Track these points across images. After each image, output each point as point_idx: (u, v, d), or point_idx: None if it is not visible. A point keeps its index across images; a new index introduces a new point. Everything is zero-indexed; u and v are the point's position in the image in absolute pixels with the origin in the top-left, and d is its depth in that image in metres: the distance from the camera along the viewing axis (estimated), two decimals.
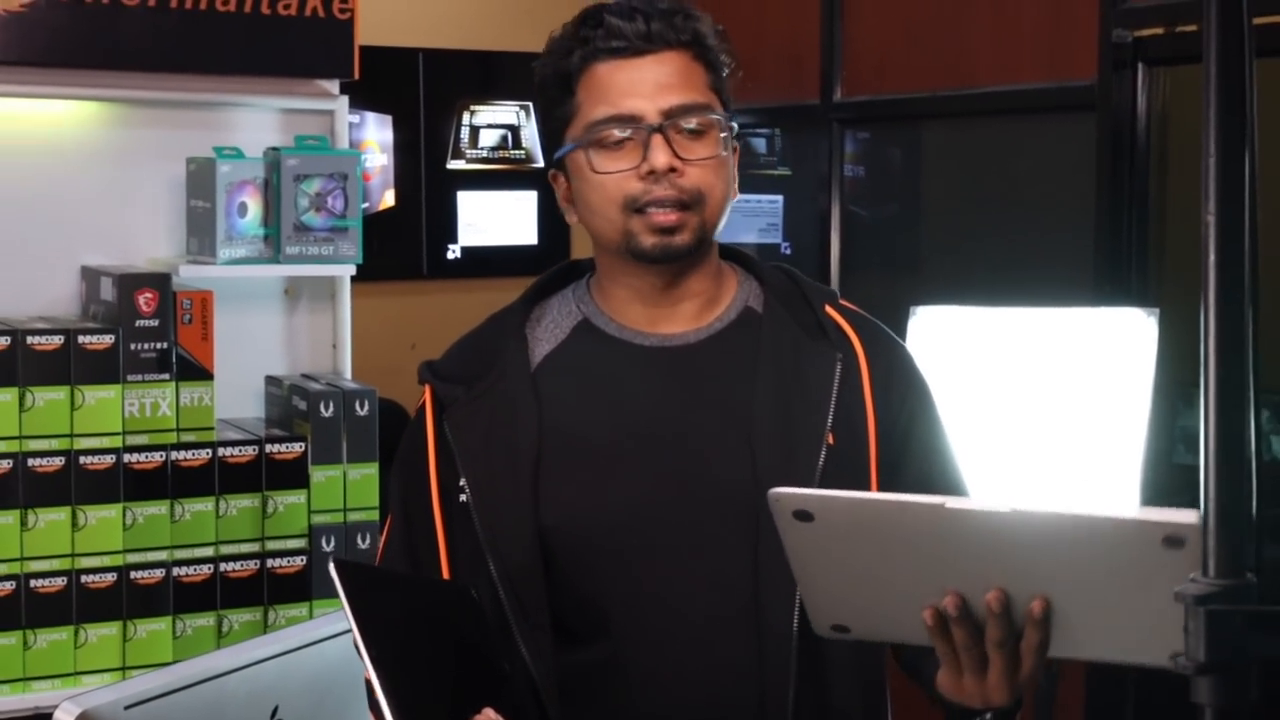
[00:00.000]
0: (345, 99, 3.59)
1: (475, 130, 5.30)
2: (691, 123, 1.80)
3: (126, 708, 1.86)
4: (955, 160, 4.81)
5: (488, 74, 5.36)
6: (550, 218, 5.38)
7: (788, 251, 5.31)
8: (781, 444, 1.79)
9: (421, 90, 5.24)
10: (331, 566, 1.63)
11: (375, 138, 5.14)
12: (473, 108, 5.29)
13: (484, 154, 5.32)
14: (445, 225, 5.29)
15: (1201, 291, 0.94)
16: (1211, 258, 0.92)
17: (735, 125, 1.88)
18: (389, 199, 5.17)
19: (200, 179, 3.35)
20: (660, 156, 1.78)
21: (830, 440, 1.79)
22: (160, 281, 3.16)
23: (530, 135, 5.37)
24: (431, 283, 5.25)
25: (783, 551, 1.74)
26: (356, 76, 3.55)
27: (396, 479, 1.93)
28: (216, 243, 3.29)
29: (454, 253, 5.28)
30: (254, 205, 3.35)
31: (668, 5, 1.86)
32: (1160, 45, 4.00)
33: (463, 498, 1.81)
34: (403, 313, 5.03)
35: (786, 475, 1.75)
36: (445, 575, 1.85)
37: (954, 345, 3.56)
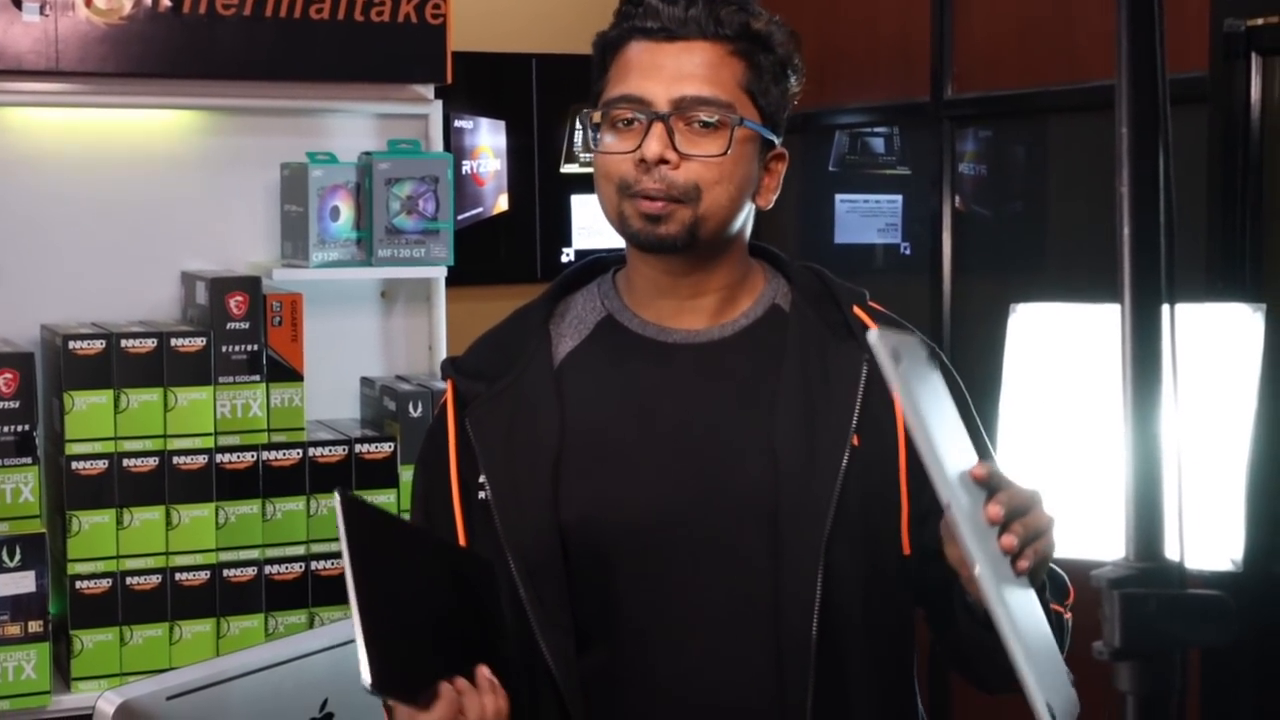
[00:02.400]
0: (439, 103, 3.63)
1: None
2: (704, 117, 1.76)
3: (169, 699, 1.90)
4: (1072, 155, 4.72)
5: None
6: None
7: (907, 251, 5.25)
8: (804, 445, 1.75)
9: (535, 95, 5.26)
10: (336, 495, 1.58)
11: (489, 143, 5.18)
12: (584, 111, 5.31)
13: None
14: (559, 228, 5.31)
15: (1118, 288, 0.91)
16: (1126, 258, 0.89)
17: (772, 132, 1.82)
18: (503, 203, 5.20)
19: (293, 184, 3.41)
20: (653, 145, 1.73)
21: (856, 442, 1.76)
22: (250, 285, 3.22)
23: None
24: (545, 285, 5.27)
25: (803, 551, 1.72)
26: (449, 81, 3.58)
27: (419, 476, 1.92)
28: (310, 246, 3.34)
29: (568, 256, 5.30)
30: (346, 209, 3.40)
31: None
32: (1274, 34, 3.88)
33: (482, 495, 1.79)
34: None
35: (809, 477, 1.74)
36: None
37: (1055, 343, 3.49)
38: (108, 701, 1.84)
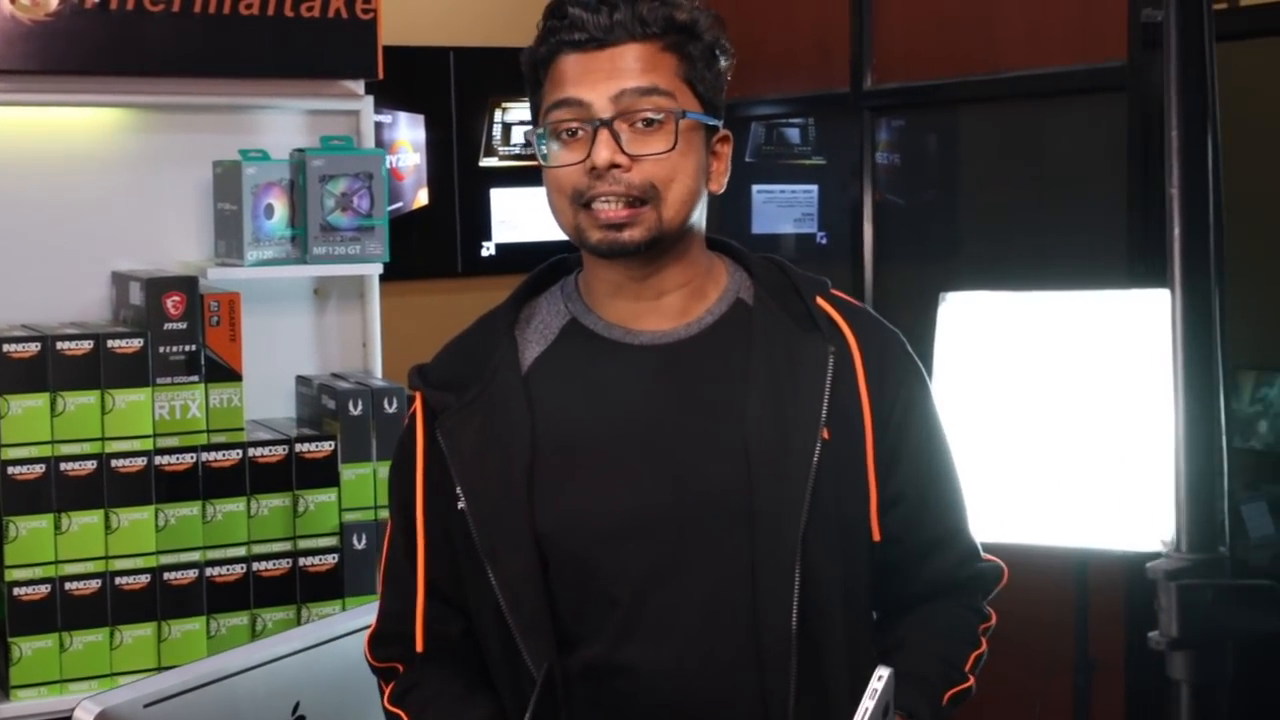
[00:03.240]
0: (370, 99, 3.61)
1: (507, 127, 5.31)
2: (645, 113, 1.74)
3: (146, 706, 1.87)
4: (988, 145, 4.78)
5: (518, 71, 5.35)
6: None
7: (824, 241, 5.30)
8: (776, 442, 1.77)
9: (453, 89, 5.24)
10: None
11: (408, 137, 5.15)
12: (504, 105, 5.30)
13: (516, 150, 5.32)
14: (479, 223, 5.30)
15: (1168, 272, 0.93)
16: (1176, 234, 0.91)
17: (713, 116, 1.82)
18: (422, 198, 5.18)
19: (226, 182, 3.37)
20: (602, 152, 1.72)
21: (825, 435, 1.77)
22: (187, 284, 3.19)
23: None
24: (466, 280, 5.26)
25: (779, 547, 1.74)
26: (380, 76, 3.56)
27: (395, 483, 1.91)
28: (244, 245, 3.31)
29: (488, 250, 5.29)
30: (280, 207, 3.37)
31: None
32: None
33: (460, 504, 1.79)
34: (437, 311, 5.03)
35: (781, 473, 1.75)
36: (423, 582, 1.83)
37: (985, 331, 3.53)
38: (85, 710, 1.82)
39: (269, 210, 3.35)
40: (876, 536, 1.82)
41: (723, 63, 1.85)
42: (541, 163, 1.79)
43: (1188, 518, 0.92)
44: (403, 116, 5.14)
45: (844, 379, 1.80)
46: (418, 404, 1.85)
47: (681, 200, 1.78)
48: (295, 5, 3.43)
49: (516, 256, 5.29)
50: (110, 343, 3.11)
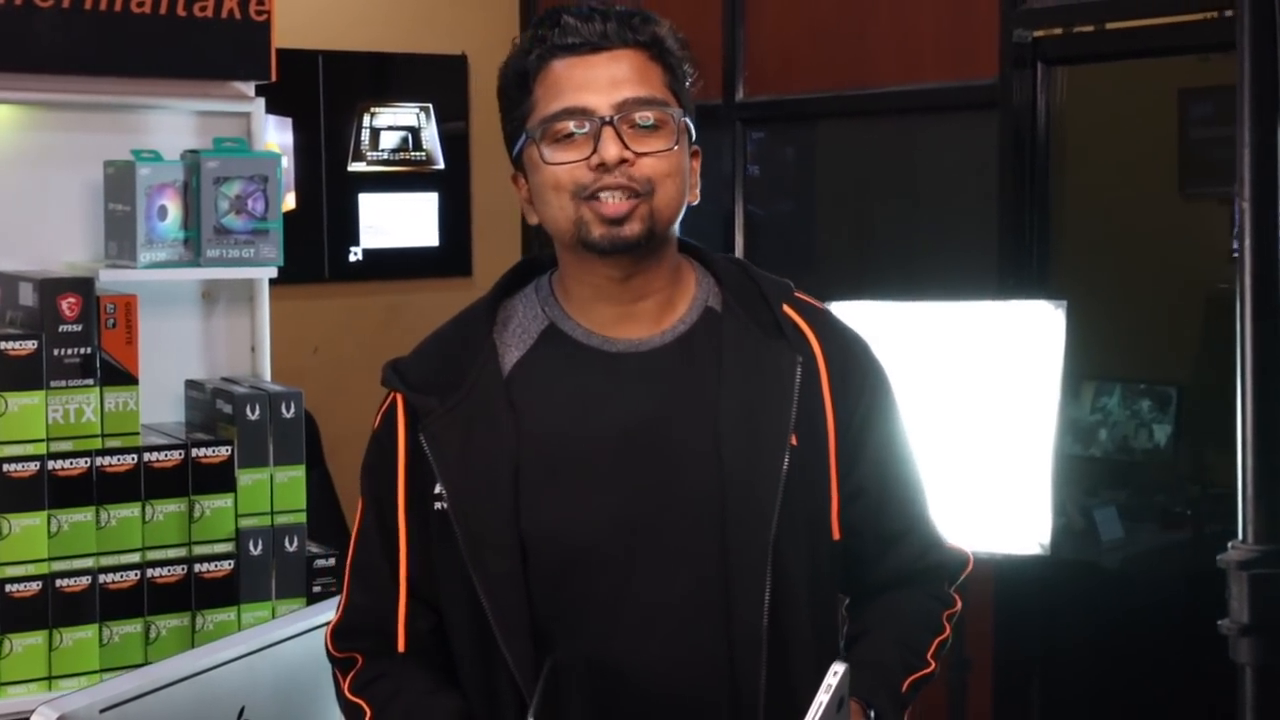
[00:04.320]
0: (262, 101, 3.58)
1: (376, 132, 5.28)
2: (645, 118, 1.82)
3: (102, 711, 1.86)
4: (858, 158, 4.89)
5: (387, 76, 5.35)
6: (451, 220, 5.38)
7: None
8: (747, 447, 1.83)
9: (321, 92, 5.21)
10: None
11: (276, 140, 5.10)
12: (373, 109, 5.28)
13: (384, 156, 5.30)
14: (346, 228, 5.27)
15: (1237, 275, 0.98)
16: (1248, 269, 0.97)
17: (693, 126, 1.91)
18: (290, 201, 5.13)
19: (119, 182, 3.31)
20: (611, 148, 1.80)
21: (793, 441, 1.84)
22: (83, 286, 3.12)
23: (430, 137, 5.36)
24: (333, 285, 5.23)
25: (751, 551, 1.80)
26: (274, 78, 3.53)
27: (368, 480, 1.94)
28: (137, 246, 3.26)
29: (355, 255, 5.26)
30: (174, 208, 3.32)
31: (625, 8, 1.90)
32: (1059, 45, 4.10)
33: (438, 505, 1.82)
34: (305, 316, 4.99)
35: (753, 479, 1.82)
36: (404, 581, 1.88)
37: (871, 341, 3.61)
38: (43, 716, 1.80)
39: (162, 212, 3.30)
40: (836, 535, 1.89)
41: (692, 79, 1.93)
42: (529, 168, 1.86)
43: (1254, 511, 0.98)
44: (270, 119, 5.08)
45: (809, 386, 1.87)
46: (399, 405, 1.87)
47: (672, 197, 1.85)
48: (188, 5, 3.38)
49: (384, 262, 5.28)
50: (2, 345, 3.03)
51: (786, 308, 1.93)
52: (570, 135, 1.83)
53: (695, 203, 1.92)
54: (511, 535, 1.80)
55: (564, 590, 1.82)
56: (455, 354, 1.89)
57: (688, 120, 1.89)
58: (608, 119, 1.81)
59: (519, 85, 1.89)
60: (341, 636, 1.93)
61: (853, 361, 1.94)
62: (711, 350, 1.88)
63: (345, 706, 1.93)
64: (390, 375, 1.90)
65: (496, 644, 1.79)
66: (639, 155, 1.81)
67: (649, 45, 1.87)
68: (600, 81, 1.83)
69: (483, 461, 1.81)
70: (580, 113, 1.82)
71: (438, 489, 1.82)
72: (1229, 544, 0.99)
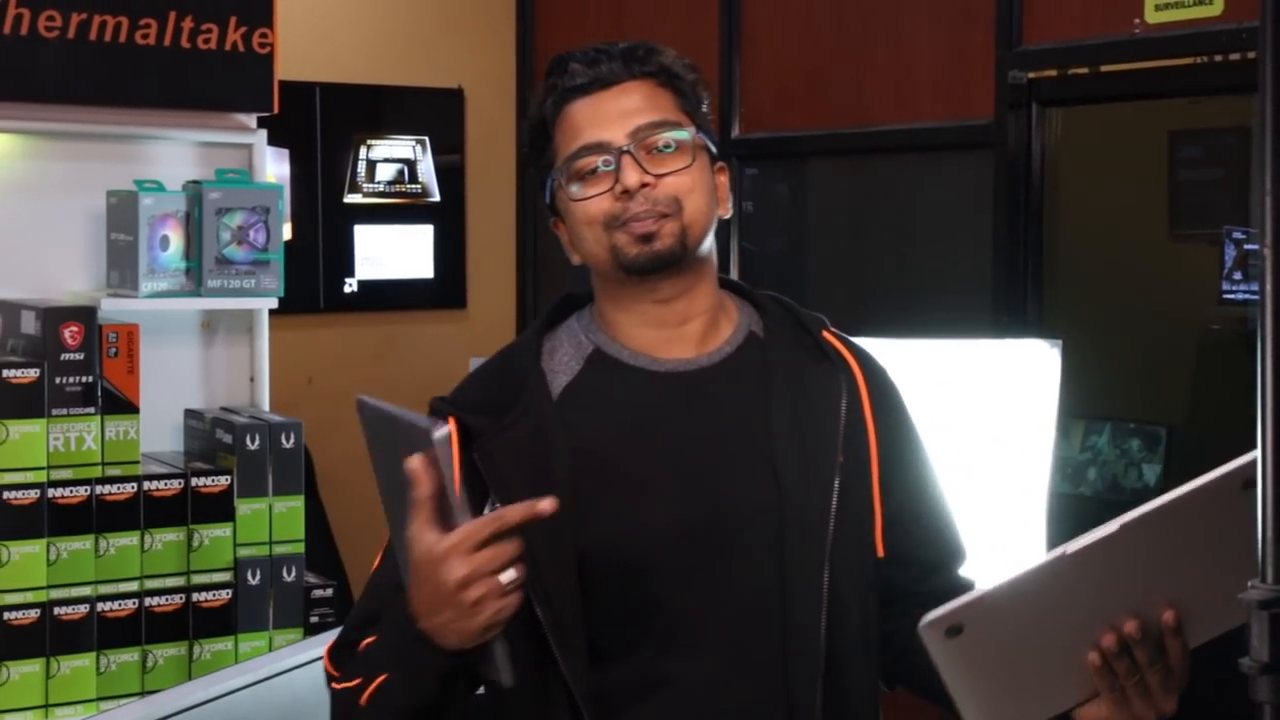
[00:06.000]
0: (264, 133, 3.61)
1: (372, 164, 5.31)
2: (661, 141, 1.89)
3: None
4: (853, 196, 4.92)
5: (384, 108, 5.37)
6: (446, 252, 5.40)
7: None
8: (800, 463, 1.89)
9: (318, 124, 5.23)
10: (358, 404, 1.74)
11: (272, 171, 5.11)
12: (369, 142, 5.30)
13: (380, 188, 5.32)
14: (342, 259, 5.28)
15: (1258, 314, 1.01)
16: (1268, 286, 0.99)
17: (711, 144, 1.96)
18: (286, 232, 5.14)
19: (122, 212, 3.34)
20: (631, 175, 1.87)
21: (841, 459, 1.91)
22: (86, 315, 3.14)
23: (426, 170, 5.39)
24: (328, 316, 5.24)
25: (809, 564, 1.85)
26: (276, 111, 3.56)
27: None
28: (139, 276, 3.28)
29: (351, 286, 5.27)
30: (176, 238, 3.34)
31: (628, 44, 1.98)
32: (1053, 87, 4.14)
33: None
34: (300, 346, 5.00)
35: (808, 492, 1.88)
36: None
37: None
38: None
39: (164, 242, 3.32)
40: (880, 552, 1.95)
41: (706, 102, 2.00)
42: (559, 209, 1.95)
43: (1275, 552, 1.00)
44: (268, 150, 5.11)
45: (853, 406, 1.95)
46: (451, 427, 1.88)
47: (701, 210, 1.91)
48: (192, 36, 3.41)
49: (379, 293, 5.29)
50: (5, 372, 3.05)
51: (826, 334, 2.01)
52: (595, 171, 1.90)
53: (727, 215, 1.99)
54: (570, 551, 1.83)
55: (618, 607, 1.85)
56: (505, 382, 1.94)
57: (703, 136, 1.95)
58: (625, 148, 1.88)
59: (540, 133, 1.98)
60: (340, 650, 1.92)
61: (887, 389, 2.02)
62: (758, 371, 1.95)
63: (334, 698, 1.89)
64: (439, 404, 1.93)
65: (553, 661, 1.81)
66: (659, 177, 1.87)
67: (656, 74, 1.95)
68: (613, 115, 1.91)
69: (538, 478, 1.83)
70: (598, 147, 1.90)
71: (487, 509, 1.83)
72: (1249, 583, 1.01)
